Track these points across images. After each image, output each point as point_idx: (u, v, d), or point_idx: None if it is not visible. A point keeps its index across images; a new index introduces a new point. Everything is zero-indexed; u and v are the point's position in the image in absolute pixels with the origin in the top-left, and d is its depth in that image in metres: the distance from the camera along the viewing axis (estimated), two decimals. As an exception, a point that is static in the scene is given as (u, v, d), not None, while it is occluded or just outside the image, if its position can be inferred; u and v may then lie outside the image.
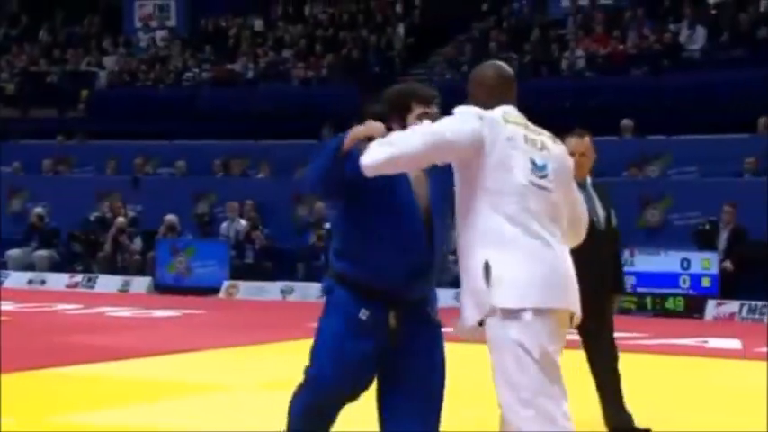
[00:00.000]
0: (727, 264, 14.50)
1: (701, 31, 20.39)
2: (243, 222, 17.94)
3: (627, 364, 10.34)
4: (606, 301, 6.74)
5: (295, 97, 22.91)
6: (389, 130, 4.27)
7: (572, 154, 6.43)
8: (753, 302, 14.03)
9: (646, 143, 18.24)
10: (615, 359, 6.79)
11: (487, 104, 4.40)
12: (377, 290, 4.33)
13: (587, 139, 6.66)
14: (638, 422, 6.71)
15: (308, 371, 4.53)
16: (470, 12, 23.93)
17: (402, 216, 4.33)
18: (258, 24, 25.76)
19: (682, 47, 20.42)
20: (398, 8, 24.90)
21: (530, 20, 22.86)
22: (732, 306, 14.11)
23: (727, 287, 14.36)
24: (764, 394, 8.29)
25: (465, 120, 4.24)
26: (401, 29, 23.98)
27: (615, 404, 6.66)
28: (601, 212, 6.61)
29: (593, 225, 6.39)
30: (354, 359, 4.36)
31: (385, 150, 4.09)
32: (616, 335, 12.49)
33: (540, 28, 22.14)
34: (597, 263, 6.42)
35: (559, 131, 18.30)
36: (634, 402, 8.02)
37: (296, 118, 21.64)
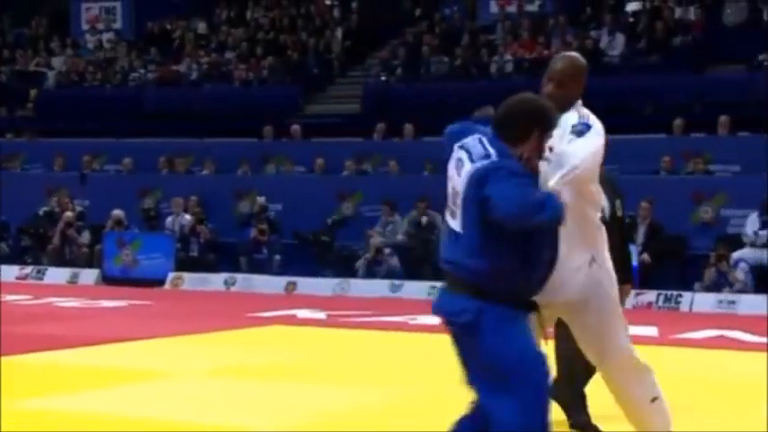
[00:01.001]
0: (645, 256, 14.69)
1: (620, 38, 20.63)
2: (187, 217, 17.84)
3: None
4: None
5: (237, 97, 22.82)
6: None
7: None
8: (668, 292, 14.23)
9: (568, 142, 18.38)
10: None
11: (576, 99, 4.58)
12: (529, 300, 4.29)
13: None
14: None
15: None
16: (404, 17, 24.02)
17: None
18: (202, 27, 25.60)
19: (602, 52, 20.64)
20: (336, 13, 24.90)
21: (460, 25, 22.97)
22: (650, 296, 14.30)
23: (645, 278, 14.55)
24: (679, 377, 8.44)
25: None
26: (339, 33, 23.98)
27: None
28: (606, 203, 6.55)
29: None
30: None
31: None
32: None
33: (470, 33, 22.25)
34: None
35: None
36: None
37: (238, 117, 21.57)
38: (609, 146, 18.65)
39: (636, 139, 17.77)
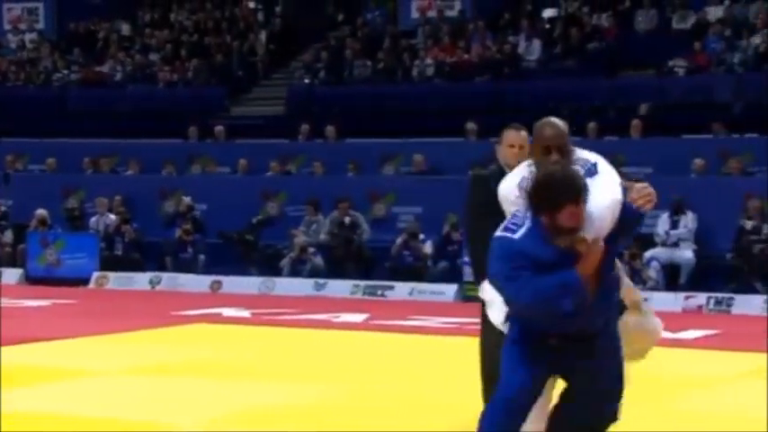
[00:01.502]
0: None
1: (536, 44, 20.82)
2: (112, 217, 17.60)
3: (464, 348, 10.49)
4: None
5: (161, 98, 22.56)
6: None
7: (511, 146, 6.50)
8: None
9: (488, 145, 18.45)
10: None
11: None
12: None
13: (524, 133, 6.65)
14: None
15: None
16: (327, 21, 23.99)
17: None
18: (126, 29, 25.27)
19: (520, 57, 20.82)
20: (260, 16, 24.75)
21: (382, 30, 22.99)
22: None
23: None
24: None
25: None
26: (263, 36, 23.84)
27: None
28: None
29: None
30: None
31: None
32: (463, 321, 12.70)
33: (391, 37, 22.27)
34: None
35: (412, 132, 18.55)
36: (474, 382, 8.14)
37: (162, 118, 21.31)
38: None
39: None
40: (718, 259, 14.19)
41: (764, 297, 13.26)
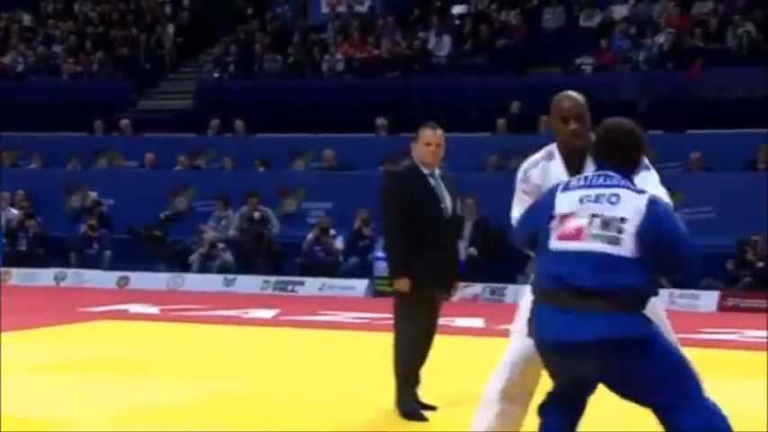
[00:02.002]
0: (472, 250, 14.94)
1: (447, 40, 20.95)
2: (14, 211, 17.22)
3: (375, 343, 10.50)
4: (447, 285, 6.77)
5: (66, 91, 22.13)
6: None
7: (428, 144, 6.53)
8: (494, 285, 14.51)
9: (399, 140, 18.55)
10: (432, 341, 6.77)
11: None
12: None
13: (440, 131, 6.66)
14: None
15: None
16: (236, 15, 23.79)
17: None
18: (27, 19, 24.72)
19: (430, 53, 20.92)
20: (167, 9, 24.43)
21: (292, 24, 22.89)
22: (476, 288, 14.54)
23: (472, 271, 14.79)
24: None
25: None
26: (170, 28, 23.54)
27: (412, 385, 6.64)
28: (448, 200, 6.63)
29: (440, 212, 6.48)
30: None
31: None
32: (373, 316, 12.71)
33: (301, 32, 22.20)
34: (443, 248, 6.50)
35: (322, 128, 18.46)
36: (387, 376, 8.15)
37: (66, 110, 20.90)
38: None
39: (462, 138, 18.03)
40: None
41: (668, 291, 13.54)
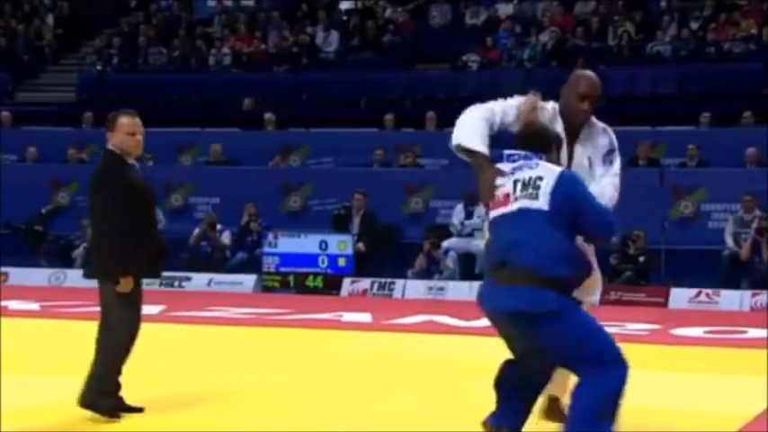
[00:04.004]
0: (360, 245, 14.99)
1: (334, 35, 20.98)
2: None
3: (272, 338, 10.47)
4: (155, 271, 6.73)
5: (-59, 83, 21.45)
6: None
7: (132, 133, 6.40)
8: (382, 279, 14.58)
9: (287, 135, 18.53)
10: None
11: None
12: None
13: (138, 119, 6.54)
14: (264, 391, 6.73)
15: (615, 353, 4.80)
16: (119, 6, 23.43)
17: None
18: None
19: (318, 48, 20.92)
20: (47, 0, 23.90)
21: (177, 17, 22.62)
22: (364, 283, 14.59)
23: (360, 266, 14.86)
24: (391, 361, 8.67)
25: None
26: (50, 20, 23.01)
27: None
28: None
29: (152, 204, 6.56)
30: None
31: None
32: (261, 311, 12.64)
33: (187, 25, 21.95)
34: (156, 239, 6.53)
35: (209, 122, 18.14)
36: (281, 372, 8.13)
37: (-57, 103, 20.27)
38: (326, 138, 18.87)
39: (350, 133, 18.12)
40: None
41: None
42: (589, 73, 5.53)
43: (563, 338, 4.75)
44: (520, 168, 4.93)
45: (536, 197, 4.80)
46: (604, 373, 4.71)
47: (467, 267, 14.88)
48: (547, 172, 4.88)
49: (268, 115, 18.44)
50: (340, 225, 15.43)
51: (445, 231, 15.10)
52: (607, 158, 5.35)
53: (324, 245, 14.79)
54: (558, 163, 5.10)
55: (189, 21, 22.27)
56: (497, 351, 5.09)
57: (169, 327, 10.94)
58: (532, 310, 4.72)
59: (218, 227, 15.72)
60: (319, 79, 20.07)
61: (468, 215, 15.08)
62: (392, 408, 6.75)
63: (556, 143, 5.12)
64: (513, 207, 4.87)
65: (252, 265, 15.27)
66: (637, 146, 15.70)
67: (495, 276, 4.87)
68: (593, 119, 5.46)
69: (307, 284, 14.72)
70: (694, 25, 19.25)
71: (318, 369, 8.37)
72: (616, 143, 5.46)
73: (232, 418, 6.43)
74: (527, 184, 4.85)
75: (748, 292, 13.39)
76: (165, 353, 9.17)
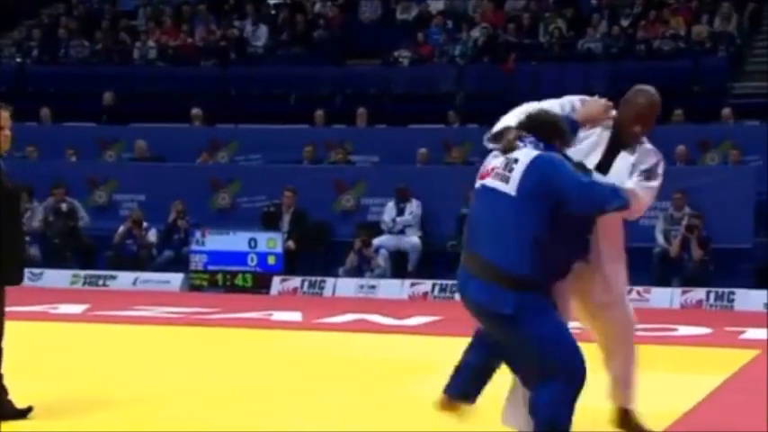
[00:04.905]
0: (290, 243, 14.98)
1: (263, 29, 20.90)
2: None
3: (200, 337, 10.42)
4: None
5: None
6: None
7: (1, 127, 5.97)
8: (312, 278, 14.58)
9: (215, 131, 18.43)
10: None
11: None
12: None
13: (5, 111, 6.09)
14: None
15: (575, 364, 4.71)
16: (39, -3, 23.11)
17: None
18: None
19: (247, 42, 20.83)
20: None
21: (100, 9, 22.36)
22: (295, 281, 14.57)
23: (290, 264, 14.84)
24: (321, 360, 8.68)
25: None
26: (-33, 10, 22.61)
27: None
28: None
29: (19, 202, 6.13)
30: None
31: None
32: (189, 310, 12.57)
33: (110, 18, 21.71)
34: (23, 242, 6.33)
35: (133, 117, 17.95)
36: (208, 372, 8.11)
37: None
38: (254, 135, 18.78)
39: (279, 129, 18.07)
40: (443, 247, 14.78)
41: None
42: (650, 92, 5.33)
43: (515, 343, 4.74)
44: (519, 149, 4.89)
45: (507, 180, 4.73)
46: (545, 386, 4.67)
47: (398, 265, 14.95)
48: (523, 155, 4.78)
49: (195, 110, 18.32)
50: (269, 223, 15.39)
51: (376, 229, 15.14)
52: (644, 173, 5.16)
53: (253, 243, 14.75)
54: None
55: (112, 13, 22.03)
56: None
57: (93, 327, 10.85)
58: (491, 308, 4.72)
59: (144, 224, 15.60)
60: (248, 74, 19.99)
61: (400, 212, 15.15)
62: (322, 407, 6.76)
63: (560, 140, 4.97)
64: (489, 182, 4.83)
65: (179, 264, 15.17)
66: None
67: (466, 262, 4.86)
68: (645, 139, 5.30)
69: (235, 283, 14.66)
70: (625, 23, 19.55)
71: (247, 369, 8.36)
72: (660, 170, 5.23)
73: (156, 419, 6.39)
74: (506, 164, 4.80)
75: (678, 290, 13.64)
76: (89, 353, 9.09)
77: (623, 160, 5.20)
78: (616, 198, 4.80)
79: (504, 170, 4.77)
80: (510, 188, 4.69)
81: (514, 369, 4.95)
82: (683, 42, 18.86)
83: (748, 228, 14.01)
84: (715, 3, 19.30)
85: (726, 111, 16.88)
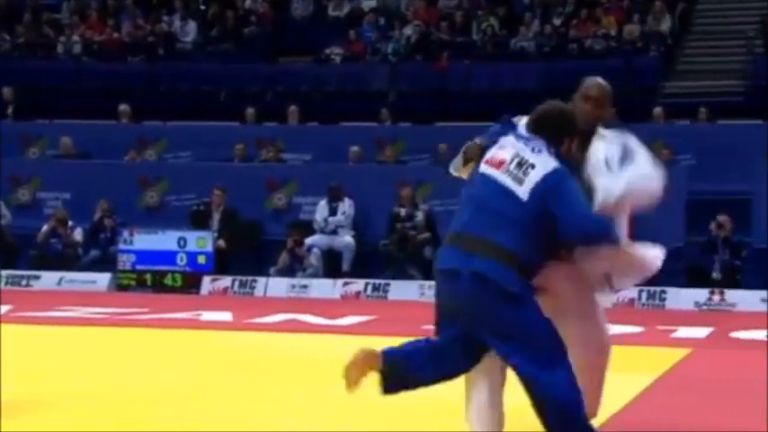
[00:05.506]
0: (220, 242, 14.89)
1: (192, 25, 20.76)
2: None
3: (127, 338, 10.32)
4: None
5: None
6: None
7: None
8: (243, 277, 14.52)
9: (143, 128, 18.25)
10: None
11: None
12: None
13: None
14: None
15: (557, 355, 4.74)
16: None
17: None
18: None
19: (175, 38, 20.66)
20: None
21: (21, 2, 22.02)
22: (225, 281, 14.51)
23: (221, 264, 14.76)
24: (252, 361, 8.64)
25: None
26: None
27: None
28: None
29: None
30: None
31: None
32: (117, 311, 12.44)
33: (32, 11, 21.38)
34: None
35: (59, 113, 17.73)
36: (135, 373, 8.02)
37: None
38: (183, 132, 18.64)
39: (209, 126, 17.97)
40: (376, 246, 14.80)
41: (419, 282, 13.99)
42: (595, 78, 5.46)
43: (516, 322, 4.66)
44: (526, 143, 4.81)
45: (520, 183, 4.69)
46: (555, 369, 4.69)
47: (331, 265, 14.94)
48: (540, 163, 4.74)
49: (123, 107, 18.13)
50: (199, 221, 15.30)
51: (309, 228, 15.12)
52: (622, 163, 5.13)
53: (182, 242, 14.65)
54: (579, 161, 4.99)
55: (34, 5, 21.69)
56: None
57: (15, 327, 10.66)
58: (500, 282, 4.61)
59: (70, 223, 15.40)
60: (176, 70, 19.83)
61: (332, 212, 15.14)
62: (252, 408, 6.73)
63: (568, 134, 4.93)
64: (500, 177, 4.75)
65: (106, 263, 15.02)
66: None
67: (460, 242, 4.75)
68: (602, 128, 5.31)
69: (165, 283, 14.55)
70: (557, 21, 19.75)
71: (175, 370, 8.28)
72: (632, 146, 5.21)
73: (80, 421, 6.31)
74: (520, 163, 4.74)
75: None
76: (10, 355, 8.94)
77: (594, 154, 5.18)
78: (606, 236, 4.88)
79: (518, 171, 4.74)
80: (522, 192, 4.70)
81: (506, 353, 4.76)
82: (614, 42, 19.10)
83: (680, 227, 14.22)
84: (647, 2, 19.58)
85: (657, 110, 17.12)
